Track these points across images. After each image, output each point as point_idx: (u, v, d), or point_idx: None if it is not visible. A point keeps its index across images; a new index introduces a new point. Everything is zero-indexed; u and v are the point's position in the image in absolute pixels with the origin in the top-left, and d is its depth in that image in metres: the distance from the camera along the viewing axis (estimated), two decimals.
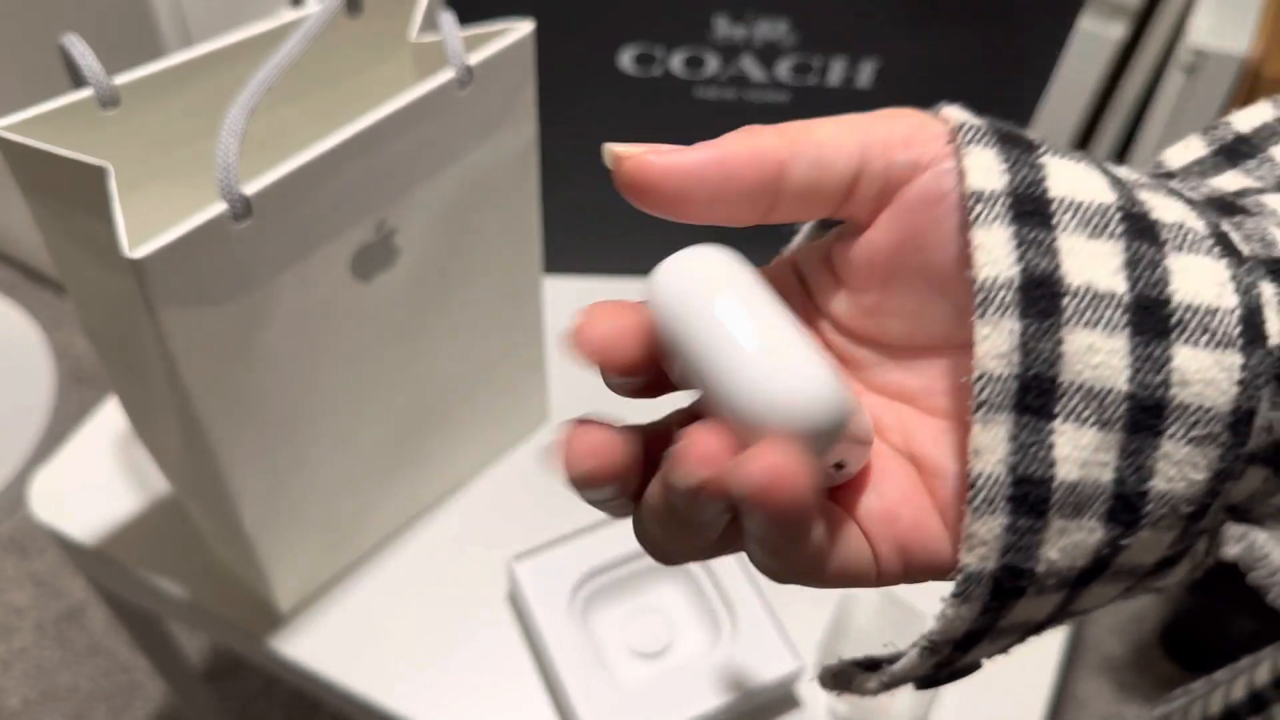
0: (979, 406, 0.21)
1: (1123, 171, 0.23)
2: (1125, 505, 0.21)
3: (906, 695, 0.58)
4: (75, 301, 0.45)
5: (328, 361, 0.49)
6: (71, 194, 0.39)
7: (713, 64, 0.64)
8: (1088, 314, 0.20)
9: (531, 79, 0.50)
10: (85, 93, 0.41)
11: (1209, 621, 1.24)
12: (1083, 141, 1.27)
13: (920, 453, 0.23)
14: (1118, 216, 0.21)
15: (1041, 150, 0.22)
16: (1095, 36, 1.15)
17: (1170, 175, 0.26)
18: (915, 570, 0.22)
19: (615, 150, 0.22)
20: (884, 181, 0.22)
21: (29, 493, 0.66)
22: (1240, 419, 0.20)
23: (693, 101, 0.66)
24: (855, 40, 0.63)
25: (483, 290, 0.56)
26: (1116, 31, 1.15)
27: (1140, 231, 0.21)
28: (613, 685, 0.55)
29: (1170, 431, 0.20)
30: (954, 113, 0.23)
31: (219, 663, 1.22)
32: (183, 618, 0.66)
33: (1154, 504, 0.21)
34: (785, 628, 0.57)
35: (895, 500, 0.22)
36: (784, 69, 0.64)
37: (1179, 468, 0.20)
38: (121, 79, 0.42)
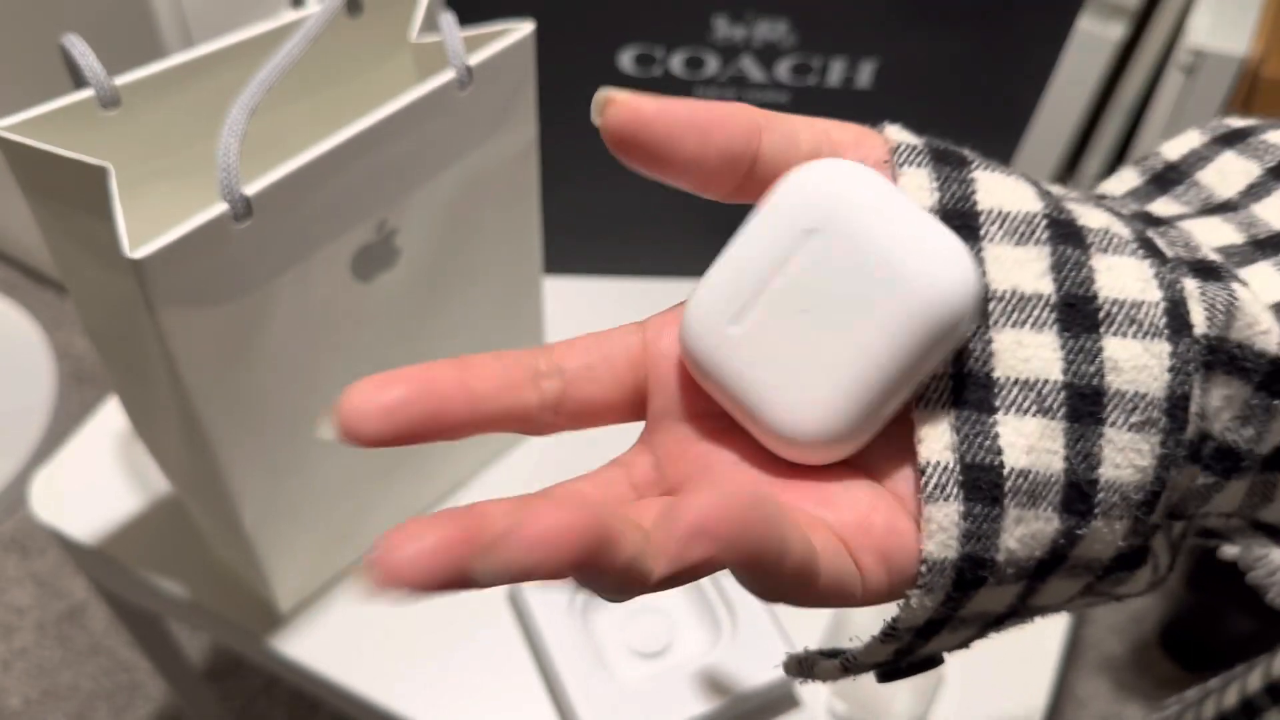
0: (918, 401, 0.22)
1: (1055, 188, 0.24)
2: (1078, 494, 0.21)
3: (906, 694, 0.58)
4: (76, 301, 0.45)
5: (328, 361, 0.49)
6: (72, 194, 0.39)
7: (713, 64, 0.64)
8: (1014, 315, 0.22)
9: (531, 79, 0.50)
10: (86, 93, 0.41)
11: (1208, 621, 1.24)
12: (1082, 141, 1.27)
13: (874, 458, 0.23)
14: (1044, 223, 0.22)
15: (973, 165, 0.23)
16: (1095, 37, 1.15)
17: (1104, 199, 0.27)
18: (898, 577, 0.22)
19: (608, 93, 0.22)
20: None
21: (30, 492, 0.66)
22: (1176, 404, 0.21)
23: None
24: (855, 40, 0.63)
25: (483, 290, 0.56)
26: (1116, 32, 1.15)
27: (1065, 236, 0.22)
28: (613, 685, 0.55)
29: (1111, 419, 0.21)
30: (894, 133, 0.24)
31: (219, 662, 1.22)
32: (183, 617, 0.66)
33: (1105, 492, 0.21)
34: (785, 628, 0.57)
35: (865, 509, 0.22)
36: (784, 69, 0.64)
37: (1124, 454, 0.21)
38: (122, 79, 0.42)
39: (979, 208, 0.22)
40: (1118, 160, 1.22)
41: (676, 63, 0.64)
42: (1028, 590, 0.22)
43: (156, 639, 0.82)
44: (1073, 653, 1.27)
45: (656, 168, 0.23)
